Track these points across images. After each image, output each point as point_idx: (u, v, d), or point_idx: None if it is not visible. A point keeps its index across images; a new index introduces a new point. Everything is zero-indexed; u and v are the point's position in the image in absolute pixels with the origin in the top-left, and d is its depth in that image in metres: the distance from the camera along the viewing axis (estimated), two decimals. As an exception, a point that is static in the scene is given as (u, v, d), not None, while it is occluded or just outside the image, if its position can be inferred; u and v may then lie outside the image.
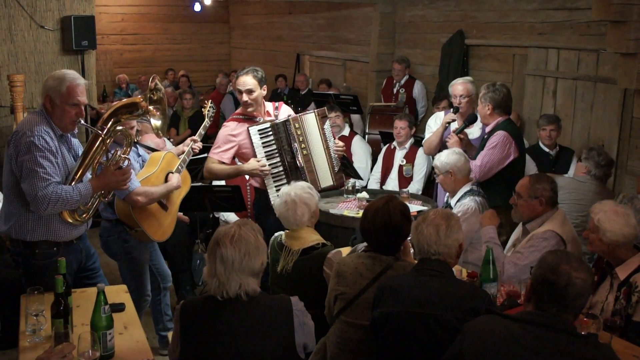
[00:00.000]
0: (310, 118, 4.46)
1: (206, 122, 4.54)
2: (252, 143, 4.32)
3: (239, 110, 4.50)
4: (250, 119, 4.41)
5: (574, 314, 2.24)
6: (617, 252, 3.16)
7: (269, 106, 4.53)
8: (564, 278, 2.18)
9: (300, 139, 4.40)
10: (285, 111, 4.60)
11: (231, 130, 4.39)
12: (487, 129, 4.58)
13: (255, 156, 4.34)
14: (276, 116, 4.52)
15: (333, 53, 10.14)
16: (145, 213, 3.89)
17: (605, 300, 3.17)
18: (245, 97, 4.30)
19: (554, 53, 6.26)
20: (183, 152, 4.30)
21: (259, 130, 4.33)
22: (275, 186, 4.35)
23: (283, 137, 4.36)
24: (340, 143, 4.60)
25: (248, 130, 4.33)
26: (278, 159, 4.38)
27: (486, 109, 4.56)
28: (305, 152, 4.41)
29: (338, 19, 9.92)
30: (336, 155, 4.54)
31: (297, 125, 4.39)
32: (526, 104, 6.60)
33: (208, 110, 4.56)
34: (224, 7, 13.65)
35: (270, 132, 4.35)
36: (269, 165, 4.33)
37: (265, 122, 4.39)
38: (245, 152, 4.41)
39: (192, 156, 4.44)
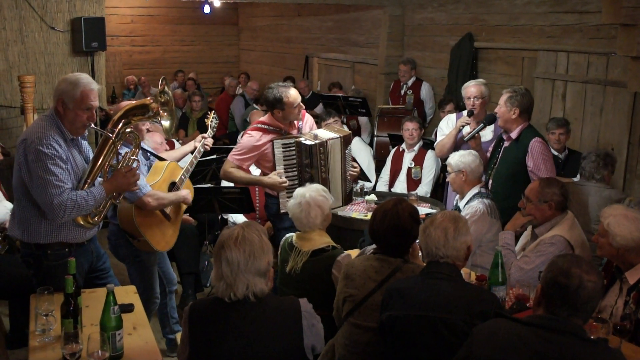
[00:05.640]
0: (335, 144, 4.51)
1: (214, 124, 4.65)
2: (274, 155, 4.42)
3: (265, 119, 4.55)
4: (275, 131, 4.47)
5: (584, 318, 2.23)
6: (627, 257, 3.14)
7: None
8: (576, 281, 2.17)
9: (322, 163, 4.46)
10: (308, 121, 4.70)
11: (256, 141, 4.46)
12: (513, 135, 4.55)
13: (274, 167, 4.42)
14: (300, 128, 4.58)
15: (342, 55, 10.14)
16: (148, 222, 3.89)
17: (615, 305, 3.15)
18: (300, 110, 4.49)
19: (564, 56, 6.23)
20: (195, 149, 4.39)
21: (282, 144, 4.43)
22: (287, 197, 4.38)
23: (304, 156, 4.41)
24: (356, 166, 4.74)
25: (272, 143, 4.41)
26: (295, 173, 4.45)
27: (511, 112, 4.52)
28: (324, 175, 4.47)
29: (347, 21, 9.92)
30: (350, 178, 4.65)
31: (321, 150, 4.43)
32: (535, 108, 6.53)
33: (211, 121, 4.71)
34: (233, 9, 13.68)
35: (294, 148, 4.43)
36: (286, 177, 4.41)
37: (290, 137, 4.47)
38: (265, 161, 4.51)
39: (201, 157, 4.47)
